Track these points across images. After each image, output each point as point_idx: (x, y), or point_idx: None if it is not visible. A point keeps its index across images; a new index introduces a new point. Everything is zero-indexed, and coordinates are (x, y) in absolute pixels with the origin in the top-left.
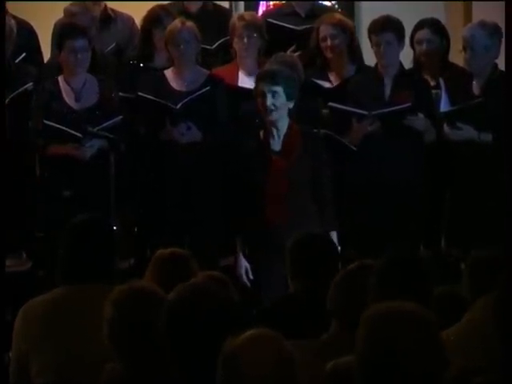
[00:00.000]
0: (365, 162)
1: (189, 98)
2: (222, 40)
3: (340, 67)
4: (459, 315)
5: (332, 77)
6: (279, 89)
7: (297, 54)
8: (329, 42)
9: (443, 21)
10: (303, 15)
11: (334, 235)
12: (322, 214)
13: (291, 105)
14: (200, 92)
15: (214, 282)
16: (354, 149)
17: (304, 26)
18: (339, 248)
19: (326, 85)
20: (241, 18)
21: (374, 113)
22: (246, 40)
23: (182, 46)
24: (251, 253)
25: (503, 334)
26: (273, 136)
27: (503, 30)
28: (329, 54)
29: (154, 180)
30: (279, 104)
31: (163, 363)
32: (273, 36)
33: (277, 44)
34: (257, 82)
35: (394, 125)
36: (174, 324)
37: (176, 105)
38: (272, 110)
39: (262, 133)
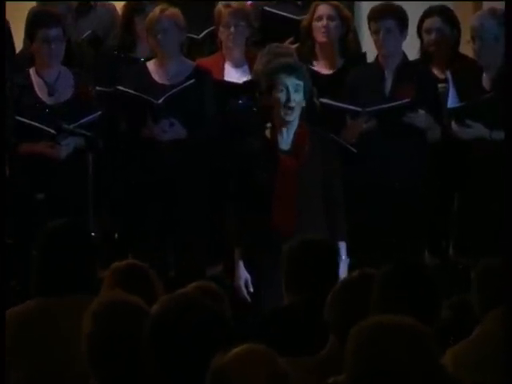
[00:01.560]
0: (362, 162)
1: (172, 91)
2: (210, 29)
3: (329, 55)
4: (471, 327)
5: (317, 66)
6: (301, 83)
7: (295, 45)
8: (324, 21)
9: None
10: (300, 3)
11: (342, 246)
12: (332, 222)
13: (304, 104)
14: (184, 85)
15: (204, 293)
16: (354, 150)
17: (303, 16)
18: (348, 259)
19: (323, 71)
20: (227, 5)
21: (368, 109)
22: (232, 29)
23: (159, 36)
24: (253, 262)
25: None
26: (282, 135)
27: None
28: (321, 38)
29: (135, 181)
30: (299, 100)
31: (147, 381)
32: (269, 25)
33: (273, 34)
34: (275, 74)
35: (392, 122)
36: (158, 338)
37: (158, 99)
38: (293, 107)
39: (268, 131)
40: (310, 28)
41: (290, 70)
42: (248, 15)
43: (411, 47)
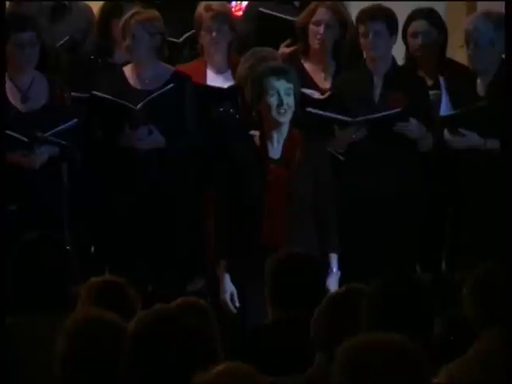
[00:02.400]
0: (351, 173)
1: (150, 96)
2: (190, 33)
3: (321, 60)
4: (465, 344)
5: (308, 67)
6: (291, 86)
7: (292, 48)
8: (322, 29)
9: (443, 12)
10: (297, 3)
11: (334, 258)
12: (323, 233)
13: (295, 108)
14: (163, 90)
15: (189, 309)
16: (342, 158)
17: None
18: (339, 272)
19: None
20: (208, 7)
21: (358, 119)
22: (214, 33)
23: (128, 41)
24: (239, 276)
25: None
26: (272, 142)
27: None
28: (315, 44)
29: (112, 192)
30: (291, 103)
31: None
32: (265, 27)
33: (270, 37)
34: (264, 78)
35: (382, 132)
36: (136, 356)
37: (135, 105)
38: (286, 111)
39: (256, 138)
40: (305, 29)
41: (280, 72)
42: (230, 18)
43: (394, 52)
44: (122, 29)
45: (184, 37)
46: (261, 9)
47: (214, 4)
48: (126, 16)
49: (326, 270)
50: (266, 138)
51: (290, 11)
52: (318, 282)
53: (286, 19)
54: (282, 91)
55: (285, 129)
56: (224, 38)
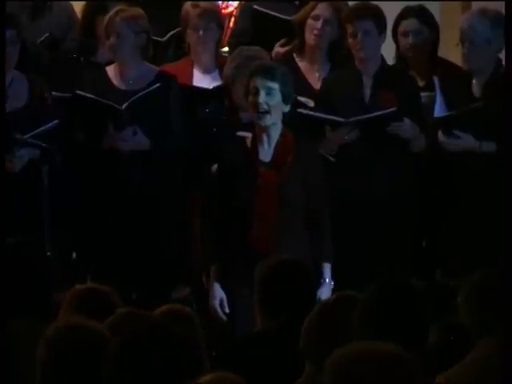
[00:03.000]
0: (342, 175)
1: (136, 96)
2: (175, 31)
3: (314, 59)
4: (461, 352)
5: (301, 63)
6: (275, 85)
7: (287, 47)
8: (319, 23)
9: (438, 9)
10: (298, 3)
11: (327, 267)
12: (316, 241)
13: (287, 109)
14: (150, 89)
15: (174, 317)
16: (332, 160)
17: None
18: (332, 283)
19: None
20: (195, 4)
21: (351, 120)
22: (201, 32)
23: (112, 39)
24: (229, 282)
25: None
26: (262, 144)
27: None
28: (311, 40)
29: (95, 196)
30: (274, 104)
31: None
32: (260, 26)
33: (264, 36)
34: (250, 77)
35: (375, 133)
36: (120, 367)
37: (119, 106)
38: (265, 111)
39: (248, 140)
40: (303, 24)
41: (263, 71)
42: (219, 16)
43: (384, 51)
44: (106, 27)
45: (168, 35)
46: (255, 7)
47: (201, 1)
48: (111, 13)
49: (317, 279)
50: (256, 140)
51: (288, 10)
52: (309, 290)
53: (281, 18)
54: (261, 89)
55: (275, 131)
56: (211, 37)
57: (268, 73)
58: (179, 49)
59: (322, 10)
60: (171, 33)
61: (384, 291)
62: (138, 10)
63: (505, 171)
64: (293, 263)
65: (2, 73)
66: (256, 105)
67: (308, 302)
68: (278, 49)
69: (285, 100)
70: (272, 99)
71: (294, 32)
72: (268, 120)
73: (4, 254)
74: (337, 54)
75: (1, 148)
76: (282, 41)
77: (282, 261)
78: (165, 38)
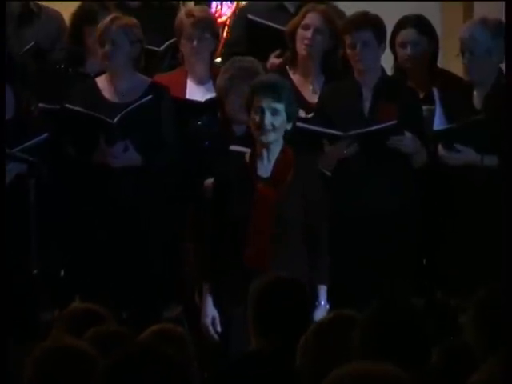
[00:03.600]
0: (341, 191)
1: (128, 109)
2: (171, 41)
3: (307, 71)
4: (464, 374)
5: (295, 76)
6: (281, 106)
7: (282, 58)
8: (310, 33)
9: (438, 20)
10: (292, 10)
11: (322, 289)
12: (313, 261)
13: (289, 126)
14: (142, 101)
15: (164, 337)
16: (329, 174)
17: None
18: (327, 306)
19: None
20: (189, 13)
21: (350, 133)
22: (195, 42)
23: (107, 47)
24: (222, 300)
25: None
26: (262, 160)
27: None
28: (302, 50)
29: (84, 212)
30: (279, 124)
31: None
32: (254, 37)
33: (258, 47)
34: (252, 94)
35: (375, 147)
36: None
37: (110, 119)
38: (269, 131)
39: (247, 155)
40: (294, 34)
41: (269, 91)
42: (213, 26)
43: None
44: (100, 34)
45: (165, 45)
46: (249, 16)
47: (196, 10)
48: (106, 21)
49: (312, 301)
50: (256, 155)
51: (282, 19)
52: (305, 309)
53: (275, 28)
54: (266, 110)
55: (276, 147)
56: (206, 47)
57: (274, 92)
58: (175, 59)
59: (312, 19)
60: (168, 42)
61: (384, 311)
62: (132, 19)
63: (506, 185)
64: (289, 280)
65: (2, 73)
66: (261, 125)
67: (303, 321)
68: (274, 60)
69: (288, 118)
70: (277, 120)
71: (286, 41)
72: (271, 137)
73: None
74: (330, 65)
75: (0, 148)
76: (277, 52)
77: (278, 278)
78: (161, 48)
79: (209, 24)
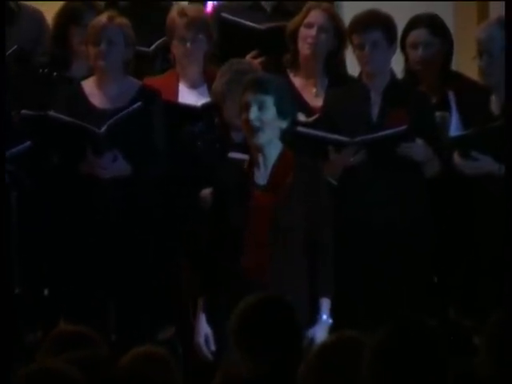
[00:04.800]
0: (346, 201)
1: (115, 117)
2: (160, 40)
3: (310, 73)
4: None
5: (296, 79)
6: (268, 99)
7: (259, 60)
8: (314, 31)
9: (450, 21)
10: (269, 9)
11: (325, 303)
12: (315, 272)
13: (284, 124)
14: (130, 109)
15: (149, 360)
16: (334, 183)
17: (270, 25)
18: (330, 320)
19: (301, 118)
20: (182, 13)
21: (357, 139)
22: (188, 44)
23: (102, 46)
24: (217, 316)
25: None
26: (258, 165)
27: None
28: (305, 49)
29: (70, 225)
30: (267, 119)
31: None
32: (229, 37)
33: (233, 47)
34: (243, 93)
35: (384, 155)
36: None
37: (97, 127)
38: (257, 128)
39: (246, 162)
40: (295, 34)
41: (255, 84)
42: (207, 26)
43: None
44: (96, 32)
45: (154, 45)
46: (223, 15)
47: (190, 9)
48: (102, 19)
49: (313, 315)
50: (252, 160)
51: (258, 19)
52: (293, 330)
53: (251, 27)
54: (253, 103)
55: (272, 150)
56: (199, 49)
57: (260, 85)
58: (167, 61)
59: (315, 16)
60: (157, 42)
61: (396, 336)
62: (126, 20)
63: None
64: (277, 299)
65: (2, 72)
66: (247, 121)
67: (292, 343)
68: (251, 61)
69: (281, 114)
70: (265, 114)
71: (287, 41)
72: (261, 137)
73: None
74: (334, 67)
75: (0, 148)
76: (254, 52)
77: (265, 297)
78: (151, 48)
79: (203, 24)
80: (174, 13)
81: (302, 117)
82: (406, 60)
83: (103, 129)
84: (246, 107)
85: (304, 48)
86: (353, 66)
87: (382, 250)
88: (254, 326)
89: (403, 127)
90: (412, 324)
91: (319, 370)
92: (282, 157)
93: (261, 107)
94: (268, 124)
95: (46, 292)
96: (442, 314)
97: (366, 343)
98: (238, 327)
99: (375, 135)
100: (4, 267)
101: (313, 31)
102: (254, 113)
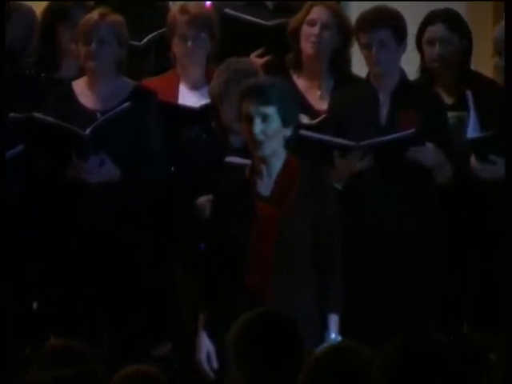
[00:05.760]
0: (352, 209)
1: (100, 119)
2: (153, 34)
3: (314, 73)
4: None
5: (299, 80)
6: (271, 110)
7: (264, 59)
8: (317, 29)
9: (463, 13)
10: (271, 7)
11: (333, 319)
12: (323, 287)
13: (288, 132)
14: (117, 109)
15: (140, 380)
16: (339, 188)
17: (276, 20)
18: (338, 338)
19: (304, 120)
20: (184, 9)
21: (363, 143)
22: (190, 43)
23: (93, 46)
24: (218, 333)
25: None
26: (261, 175)
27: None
28: (308, 49)
29: (59, 236)
30: (271, 131)
31: None
32: (231, 34)
33: (236, 45)
34: (240, 101)
35: (391, 160)
36: None
37: (84, 129)
38: (261, 141)
39: (248, 168)
40: (297, 32)
41: (255, 93)
42: (211, 24)
43: (408, 63)
44: (86, 31)
45: (146, 39)
46: (226, 11)
47: (191, 6)
48: (93, 16)
49: (321, 332)
50: (254, 170)
51: (262, 15)
52: (296, 348)
53: (256, 23)
54: (255, 117)
55: (276, 160)
56: (201, 48)
57: (261, 95)
58: (160, 57)
59: (318, 13)
60: (150, 36)
61: (404, 354)
62: (120, 17)
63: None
64: (277, 314)
65: (2, 72)
66: (250, 134)
67: (297, 362)
68: (255, 60)
69: (285, 123)
70: (269, 126)
71: (289, 40)
72: (266, 150)
73: None
74: (340, 67)
75: (1, 148)
76: (259, 51)
77: (265, 312)
78: (142, 42)
79: (205, 22)
80: (174, 9)
81: (305, 119)
82: (422, 58)
83: (88, 130)
84: (248, 119)
85: (307, 47)
86: (360, 66)
87: (390, 262)
88: (253, 342)
89: (411, 130)
90: (420, 340)
91: (316, 379)
92: (286, 166)
93: (264, 119)
94: (271, 135)
95: (34, 305)
96: (455, 328)
97: (373, 359)
98: (237, 342)
99: (382, 139)
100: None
101: (316, 29)
102: (257, 126)
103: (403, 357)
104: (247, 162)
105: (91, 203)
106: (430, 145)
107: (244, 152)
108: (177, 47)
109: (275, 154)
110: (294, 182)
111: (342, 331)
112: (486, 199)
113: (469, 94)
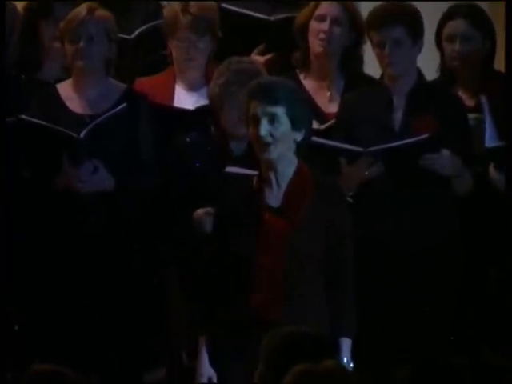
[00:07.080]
0: (362, 221)
1: (95, 121)
2: (144, 27)
3: (323, 73)
4: None
5: (306, 81)
6: (279, 110)
7: (266, 57)
8: (327, 25)
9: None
10: (273, 1)
11: (346, 343)
12: (335, 309)
13: (300, 137)
14: (113, 111)
15: None
16: (350, 200)
17: (279, 15)
18: (351, 364)
19: (315, 125)
20: (185, 8)
21: (370, 149)
22: (192, 46)
23: (82, 44)
24: (219, 356)
25: None
26: (270, 184)
27: None
28: (317, 47)
29: (44, 250)
30: (279, 134)
31: None
32: (230, 30)
33: (236, 42)
34: (247, 102)
35: (403, 167)
36: None
37: (77, 134)
38: (268, 143)
39: (255, 178)
40: (305, 28)
41: (262, 93)
42: (213, 24)
43: (427, 62)
44: (74, 27)
45: (137, 32)
46: (224, 5)
47: (194, 6)
48: (80, 11)
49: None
50: (262, 179)
51: (264, 10)
52: None
53: (257, 18)
54: (263, 119)
55: (285, 167)
56: (203, 52)
57: (268, 95)
58: (153, 53)
59: (328, 8)
60: (140, 29)
61: (420, 378)
62: (109, 13)
63: None
64: (309, 334)
65: (2, 71)
66: (257, 137)
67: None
68: (257, 58)
69: (295, 126)
70: (277, 128)
71: (296, 37)
72: (273, 152)
73: None
74: (351, 66)
75: (1, 148)
76: (260, 47)
77: (295, 332)
78: (133, 36)
79: (209, 24)
80: (176, 8)
81: (315, 124)
82: (442, 56)
83: (82, 133)
84: (255, 120)
85: (316, 45)
86: (373, 65)
87: (403, 279)
88: (286, 363)
89: (425, 135)
90: (436, 364)
91: None
92: (297, 174)
93: (272, 120)
94: (279, 138)
95: (16, 327)
96: (475, 353)
97: None
98: (267, 362)
99: (391, 145)
100: None
101: (325, 25)
102: (264, 127)
103: (418, 382)
104: (249, 172)
105: (80, 213)
106: (445, 152)
107: (246, 160)
108: (176, 49)
109: (283, 159)
110: (307, 193)
111: (355, 355)
112: (507, 209)
113: (483, 99)
